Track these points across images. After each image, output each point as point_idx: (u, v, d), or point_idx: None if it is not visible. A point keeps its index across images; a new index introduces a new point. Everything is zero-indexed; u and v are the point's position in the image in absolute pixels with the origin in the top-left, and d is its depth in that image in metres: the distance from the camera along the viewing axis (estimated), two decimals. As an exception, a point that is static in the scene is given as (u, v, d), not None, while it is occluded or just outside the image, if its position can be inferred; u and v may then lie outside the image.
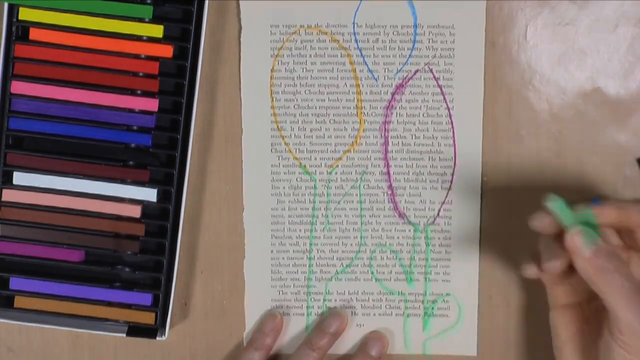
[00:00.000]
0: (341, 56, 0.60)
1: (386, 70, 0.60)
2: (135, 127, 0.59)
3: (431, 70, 0.60)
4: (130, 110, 0.59)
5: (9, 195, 0.60)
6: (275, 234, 0.62)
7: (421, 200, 0.61)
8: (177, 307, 0.63)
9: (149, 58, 0.59)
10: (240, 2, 0.60)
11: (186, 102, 0.59)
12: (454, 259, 0.62)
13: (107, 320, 0.61)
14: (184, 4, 0.59)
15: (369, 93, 0.61)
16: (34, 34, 0.58)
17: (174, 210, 0.60)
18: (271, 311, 0.62)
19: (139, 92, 0.59)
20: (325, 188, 0.61)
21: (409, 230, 0.62)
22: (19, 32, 0.59)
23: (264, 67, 0.61)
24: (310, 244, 0.62)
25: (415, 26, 0.60)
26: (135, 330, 0.61)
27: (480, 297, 0.62)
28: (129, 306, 0.61)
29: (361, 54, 0.60)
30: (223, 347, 0.63)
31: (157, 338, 0.61)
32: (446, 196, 0.61)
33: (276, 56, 0.60)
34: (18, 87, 0.59)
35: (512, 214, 0.61)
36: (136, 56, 0.59)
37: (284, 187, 0.61)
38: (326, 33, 0.60)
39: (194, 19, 0.58)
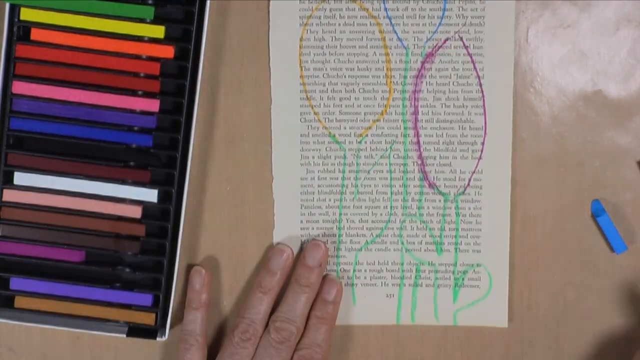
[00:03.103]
0: (370, 25, 0.60)
1: (416, 39, 0.60)
2: (136, 128, 0.59)
3: (461, 39, 0.60)
4: (131, 111, 0.59)
5: (9, 195, 0.60)
6: (304, 204, 0.62)
7: (451, 170, 0.61)
8: (177, 307, 0.63)
9: (150, 59, 0.59)
10: None
11: (187, 103, 0.59)
12: (485, 229, 0.61)
13: (107, 320, 0.61)
14: (185, 5, 0.59)
15: (399, 62, 0.60)
16: (35, 34, 0.58)
17: (175, 211, 0.60)
18: (196, 267, 0.61)
19: (140, 92, 0.59)
20: (355, 157, 0.61)
21: (439, 201, 0.61)
22: (20, 32, 0.59)
23: (293, 36, 0.60)
24: (340, 214, 0.62)
25: None
26: (135, 330, 0.61)
27: (511, 268, 0.61)
28: (129, 307, 0.61)
29: (390, 23, 0.60)
30: (223, 348, 0.63)
31: (157, 339, 0.61)
32: (477, 165, 0.61)
33: (305, 25, 0.60)
34: (19, 87, 0.59)
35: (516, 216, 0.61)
36: (137, 57, 0.59)
37: (313, 157, 0.61)
38: (355, 1, 0.60)
39: (196, 19, 0.58)
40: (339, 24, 0.60)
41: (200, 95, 0.60)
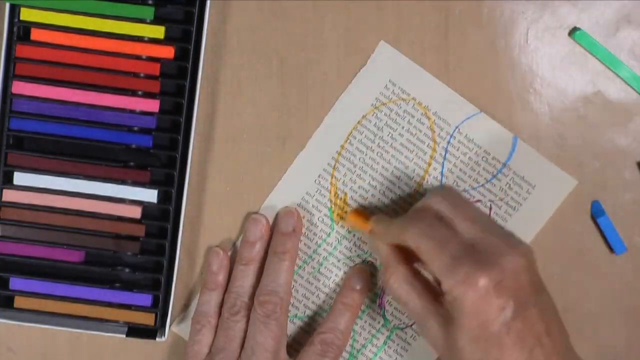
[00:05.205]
0: (428, 146, 0.60)
1: (455, 183, 0.61)
2: (136, 128, 0.59)
3: (490, 208, 0.60)
4: (131, 111, 0.59)
5: (9, 195, 0.60)
6: None
7: None
8: (177, 308, 0.63)
9: (150, 59, 0.59)
10: (381, 43, 0.60)
11: (187, 103, 0.59)
12: None
13: (107, 320, 0.61)
14: (185, 5, 0.59)
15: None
16: (35, 34, 0.58)
17: (175, 211, 0.60)
18: (214, 248, 0.62)
19: (140, 93, 0.59)
20: (337, 242, 0.62)
21: (378, 322, 0.62)
22: (20, 32, 0.59)
23: (359, 109, 0.61)
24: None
25: (504, 165, 0.60)
26: (135, 331, 0.61)
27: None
28: (129, 307, 0.61)
29: (445, 155, 0.60)
30: (223, 348, 0.63)
31: (157, 339, 0.61)
32: None
33: (375, 108, 0.61)
34: (19, 87, 0.59)
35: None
36: (137, 57, 0.59)
37: (303, 217, 0.62)
38: (429, 118, 0.60)
39: (196, 20, 0.58)
40: (403, 127, 0.61)
41: (200, 95, 0.60)
